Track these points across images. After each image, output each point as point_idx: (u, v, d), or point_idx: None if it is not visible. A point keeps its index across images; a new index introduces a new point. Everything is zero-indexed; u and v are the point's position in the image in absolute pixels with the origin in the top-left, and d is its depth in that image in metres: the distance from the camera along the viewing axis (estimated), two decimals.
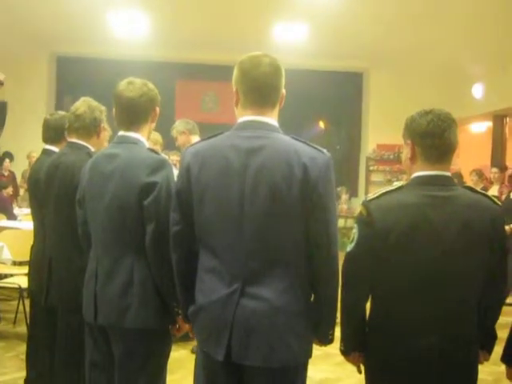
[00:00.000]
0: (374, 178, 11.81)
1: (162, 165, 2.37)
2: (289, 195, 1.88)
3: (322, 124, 12.36)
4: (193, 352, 4.62)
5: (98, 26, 9.07)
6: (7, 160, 9.91)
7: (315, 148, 1.96)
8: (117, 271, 2.39)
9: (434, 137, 2.03)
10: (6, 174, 9.76)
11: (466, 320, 2.03)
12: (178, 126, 5.14)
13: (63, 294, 2.94)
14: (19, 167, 9.95)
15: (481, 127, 10.84)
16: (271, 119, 2.04)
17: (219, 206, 1.96)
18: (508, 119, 10.09)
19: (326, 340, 2.09)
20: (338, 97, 11.79)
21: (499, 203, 2.08)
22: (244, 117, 2.05)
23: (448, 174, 2.06)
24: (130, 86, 2.46)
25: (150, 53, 10.39)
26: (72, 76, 11.36)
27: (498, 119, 10.10)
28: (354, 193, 11.90)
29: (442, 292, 1.98)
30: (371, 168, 11.80)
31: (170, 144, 5.75)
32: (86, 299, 2.51)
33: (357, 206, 10.75)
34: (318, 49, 9.82)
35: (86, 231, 2.56)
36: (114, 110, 2.52)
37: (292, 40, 9.05)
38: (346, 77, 11.79)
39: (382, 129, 11.35)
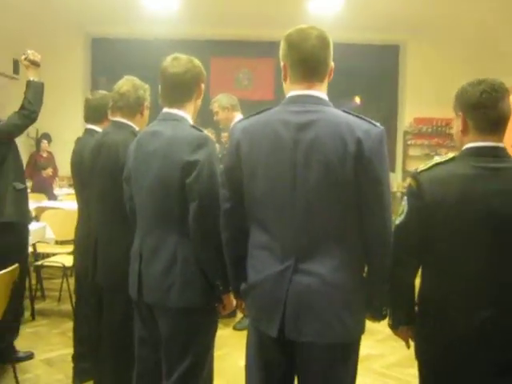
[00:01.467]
0: (412, 152, 11.63)
1: (204, 142, 2.34)
2: (342, 169, 1.85)
3: (357, 99, 12.18)
4: (235, 329, 4.64)
5: (131, 6, 9.05)
6: (44, 141, 10.04)
7: (368, 121, 1.91)
8: (160, 249, 2.39)
9: (486, 108, 1.97)
10: (44, 155, 9.89)
11: None
12: (222, 100, 4.96)
13: (109, 273, 2.95)
14: (57, 148, 10.06)
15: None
16: (321, 93, 1.99)
17: (270, 181, 1.93)
18: None
19: (380, 315, 2.08)
20: (375, 70, 11.56)
21: None
22: (293, 91, 2.00)
23: (501, 145, 2.00)
24: (175, 61, 2.43)
25: (183, 31, 10.34)
26: (106, 57, 11.41)
27: None
28: (391, 168, 11.73)
29: (494, 265, 1.93)
30: (409, 142, 11.61)
31: (204, 120, 5.59)
32: (131, 277, 2.52)
33: (393, 181, 10.62)
34: (354, 22, 9.64)
35: (132, 208, 2.56)
36: (159, 86, 2.49)
37: (326, 13, 8.89)
38: (382, 50, 11.56)
39: (420, 102, 11.14)
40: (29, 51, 3.85)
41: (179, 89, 2.45)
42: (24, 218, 4.02)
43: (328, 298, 1.88)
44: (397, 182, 11.04)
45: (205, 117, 5.19)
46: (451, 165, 2.01)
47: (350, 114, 1.93)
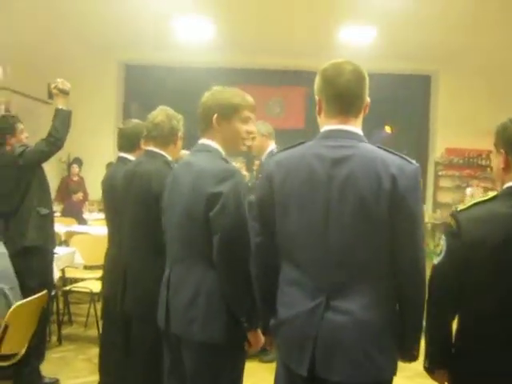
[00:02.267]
0: (443, 183, 11.51)
1: (229, 174, 2.30)
2: (376, 207, 1.82)
3: (388, 128, 12.13)
4: (262, 361, 4.58)
5: (164, 33, 9.20)
6: (75, 165, 10.19)
7: (403, 158, 1.89)
8: (186, 281, 2.37)
9: None
10: (75, 179, 10.03)
11: None
12: (260, 126, 4.77)
13: (139, 302, 2.95)
14: (88, 173, 10.19)
15: None
16: (356, 128, 1.98)
17: (304, 216, 1.91)
18: None
19: (411, 356, 2.02)
20: (406, 100, 11.55)
21: None
22: (328, 125, 1.98)
23: None
24: (207, 93, 2.45)
25: (214, 58, 10.47)
26: (139, 83, 11.60)
27: None
28: (421, 199, 11.62)
29: None
30: (440, 173, 11.50)
31: None
32: (160, 307, 2.50)
33: (424, 213, 10.49)
34: (385, 51, 9.65)
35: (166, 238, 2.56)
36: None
37: (358, 43, 8.93)
38: (414, 79, 11.55)
39: (451, 133, 11.06)
40: (58, 80, 3.95)
41: (206, 119, 2.44)
42: (47, 242, 4.08)
43: (359, 336, 1.85)
44: (428, 214, 10.91)
45: None
46: (492, 204, 1.96)
47: (384, 149, 1.92)
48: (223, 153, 2.44)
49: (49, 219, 4.09)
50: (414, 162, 1.89)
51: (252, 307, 2.22)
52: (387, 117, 11.56)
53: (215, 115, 2.40)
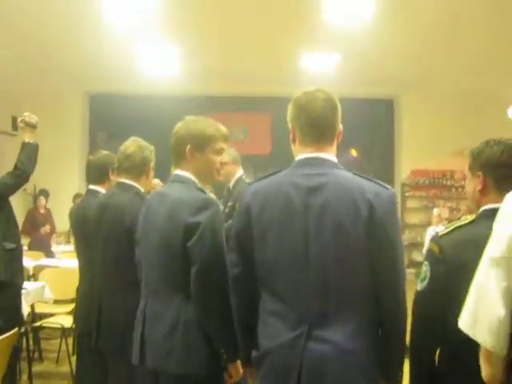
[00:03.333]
0: (410, 204, 11.68)
1: (206, 204, 2.29)
2: (354, 234, 1.83)
3: (354, 152, 12.29)
4: None
5: (129, 62, 9.20)
6: (42, 198, 10.04)
7: (379, 184, 1.91)
8: (164, 313, 2.32)
9: (507, 167, 1.96)
10: (42, 211, 9.87)
11: None
12: (228, 152, 4.82)
13: (113, 337, 2.89)
14: (54, 204, 10.05)
15: None
16: (330, 155, 1.98)
17: (282, 246, 1.90)
18: None
19: (395, 381, 2.00)
20: (370, 124, 11.73)
21: None
22: (302, 154, 1.99)
23: None
24: (180, 123, 2.45)
25: (180, 87, 10.50)
26: (105, 113, 11.56)
27: None
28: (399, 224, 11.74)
29: None
30: (407, 194, 11.67)
31: None
32: (134, 341, 2.44)
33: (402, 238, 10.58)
34: (349, 77, 9.81)
35: (141, 271, 2.52)
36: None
37: (322, 69, 9.05)
38: (378, 103, 11.77)
39: (416, 154, 11.27)
40: (25, 113, 3.90)
41: (181, 151, 2.42)
42: (15, 277, 3.97)
43: (342, 365, 1.83)
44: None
45: None
46: (472, 227, 1.97)
47: (360, 176, 1.92)
48: (198, 183, 2.43)
49: (16, 254, 3.98)
50: (389, 187, 1.91)
51: (231, 339, 2.19)
52: (352, 141, 11.70)
53: (188, 146, 2.38)
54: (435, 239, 2.01)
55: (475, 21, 7.34)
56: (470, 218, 2.03)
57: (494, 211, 1.92)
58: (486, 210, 2.00)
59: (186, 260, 2.26)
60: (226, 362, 2.31)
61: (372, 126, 11.89)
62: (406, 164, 11.67)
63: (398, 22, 7.54)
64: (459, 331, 1.91)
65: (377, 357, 1.91)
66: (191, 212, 2.26)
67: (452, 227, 2.00)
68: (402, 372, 2.01)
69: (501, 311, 1.54)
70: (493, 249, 1.62)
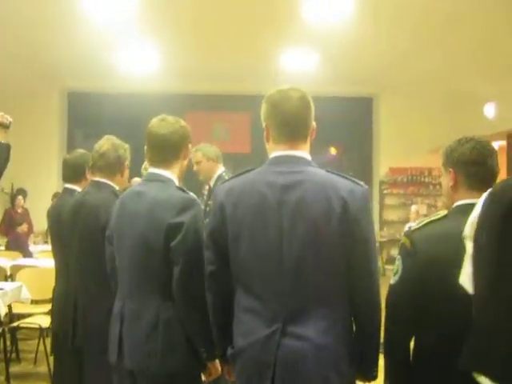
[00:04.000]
0: (388, 201, 11.77)
1: (189, 204, 2.31)
2: (328, 230, 1.85)
3: (333, 150, 12.36)
4: None
5: (107, 60, 9.15)
6: (20, 197, 9.94)
7: (352, 180, 1.93)
8: (142, 313, 2.32)
9: (477, 164, 2.01)
10: (19, 210, 9.78)
11: None
12: (207, 149, 4.68)
13: (90, 336, 2.88)
14: (32, 204, 9.97)
15: (494, 146, 10.74)
16: (304, 153, 2.00)
17: (256, 243, 1.91)
18: None
19: (371, 376, 2.02)
20: (349, 122, 11.81)
21: None
22: (276, 152, 2.00)
23: None
24: (163, 122, 2.44)
25: (159, 85, 10.46)
26: (83, 111, 11.48)
27: None
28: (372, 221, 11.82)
29: None
30: (385, 191, 11.76)
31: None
32: (111, 341, 2.44)
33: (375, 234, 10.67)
34: (328, 75, 9.85)
35: (114, 269, 2.50)
36: (145, 147, 2.49)
37: (300, 67, 9.07)
38: (356, 102, 11.83)
39: (394, 152, 11.35)
40: None
41: (166, 149, 2.43)
42: None
43: (318, 361, 1.85)
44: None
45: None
46: (444, 222, 2.01)
47: (333, 173, 1.94)
48: (177, 182, 2.44)
49: None
50: (362, 183, 1.93)
51: (211, 337, 2.20)
52: (331, 139, 11.77)
53: (189, 145, 2.49)
54: (407, 234, 2.05)
55: (453, 20, 7.41)
56: (442, 213, 2.06)
57: (466, 207, 1.98)
58: (457, 206, 2.04)
59: (167, 260, 2.27)
60: (206, 360, 2.33)
61: (351, 124, 11.98)
62: (385, 162, 11.76)
63: (377, 20, 7.58)
64: (432, 322, 1.96)
65: (351, 352, 1.93)
66: (174, 212, 2.27)
67: (424, 222, 2.04)
68: (377, 367, 2.03)
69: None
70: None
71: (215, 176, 4.63)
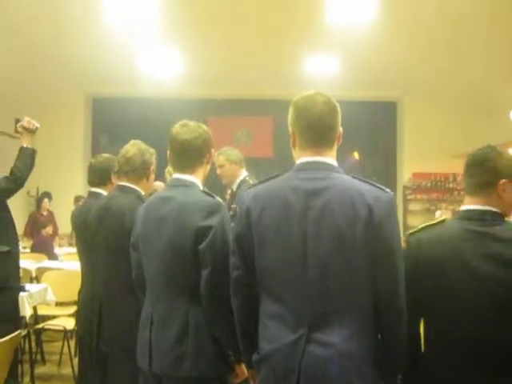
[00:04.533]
0: (412, 207, 11.66)
1: (216, 208, 2.33)
2: (353, 238, 1.84)
3: (356, 155, 12.30)
4: None
5: (131, 66, 9.21)
6: (46, 200, 10.06)
7: (378, 187, 1.92)
8: (172, 318, 2.34)
9: (469, 174, 2.09)
10: (44, 213, 9.90)
11: None
12: (230, 153, 4.64)
13: (115, 340, 2.91)
14: (57, 207, 10.08)
15: None
16: (330, 159, 1.99)
17: (281, 249, 1.91)
18: None
19: None
20: (372, 127, 11.76)
21: None
22: (302, 158, 2.00)
23: (493, 209, 2.03)
24: (185, 128, 2.46)
25: (182, 90, 10.51)
26: (107, 116, 11.59)
27: None
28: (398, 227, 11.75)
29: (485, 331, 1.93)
30: (409, 197, 11.67)
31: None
32: (140, 346, 2.45)
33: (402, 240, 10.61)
34: (351, 80, 9.82)
35: (140, 275, 2.52)
36: (168, 152, 2.51)
37: (324, 72, 9.05)
38: (380, 106, 11.76)
39: (418, 157, 11.26)
40: (25, 118, 3.93)
41: (190, 154, 2.46)
42: (8, 280, 3.97)
43: (342, 368, 1.84)
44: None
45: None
46: (439, 227, 2.08)
47: (359, 179, 1.94)
48: (201, 187, 2.47)
49: (10, 256, 3.97)
50: (388, 190, 1.92)
51: (238, 340, 2.20)
52: (355, 143, 11.73)
53: (212, 149, 2.54)
54: (406, 236, 2.14)
55: (478, 23, 7.34)
56: (440, 218, 2.14)
57: (463, 213, 2.07)
58: (457, 212, 2.13)
59: (195, 263, 2.30)
60: (233, 363, 2.36)
61: (374, 128, 11.91)
62: (408, 167, 11.65)
63: (400, 24, 7.54)
64: (428, 319, 2.04)
65: (376, 360, 1.91)
66: (202, 215, 2.30)
67: (421, 226, 2.12)
68: (399, 376, 2.03)
69: None
70: None
71: (238, 180, 4.62)
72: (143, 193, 3.04)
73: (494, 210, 2.02)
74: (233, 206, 4.39)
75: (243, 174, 4.65)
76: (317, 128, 1.98)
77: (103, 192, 3.58)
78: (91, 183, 3.69)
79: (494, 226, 1.98)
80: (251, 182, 4.41)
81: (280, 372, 1.90)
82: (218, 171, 4.64)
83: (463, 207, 2.07)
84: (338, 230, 1.84)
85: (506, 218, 2.08)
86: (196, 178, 2.47)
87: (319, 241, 1.86)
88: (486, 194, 2.03)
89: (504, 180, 2.02)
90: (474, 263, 1.93)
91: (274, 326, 1.94)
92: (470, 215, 2.03)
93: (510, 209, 2.09)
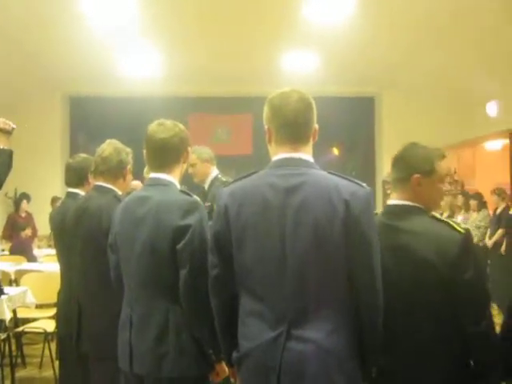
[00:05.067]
0: None
1: (195, 207, 2.32)
2: (331, 233, 1.84)
3: (335, 150, 12.35)
4: None
5: (110, 65, 9.16)
6: (24, 201, 9.94)
7: (355, 182, 1.92)
8: (151, 318, 2.33)
9: None
10: (23, 215, 9.78)
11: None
12: (201, 151, 4.57)
13: (95, 341, 2.88)
14: (35, 207, 9.97)
15: (497, 145, 10.74)
16: (306, 155, 1.99)
17: (260, 246, 1.91)
18: None
19: (369, 377, 2.02)
20: (351, 122, 11.80)
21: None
22: (279, 154, 2.00)
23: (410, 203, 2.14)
24: (161, 127, 2.44)
25: (161, 89, 10.45)
26: (85, 115, 11.49)
27: None
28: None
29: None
30: (388, 191, 11.71)
31: None
32: (120, 347, 2.44)
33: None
34: (329, 76, 9.85)
35: (118, 276, 2.51)
36: (144, 151, 2.49)
37: (302, 68, 9.07)
38: (358, 102, 11.81)
39: (396, 151, 11.30)
40: (0, 119, 3.88)
41: (167, 153, 2.44)
42: None
43: (323, 364, 1.84)
44: None
45: None
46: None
47: (336, 175, 1.93)
48: (178, 186, 2.45)
49: None
50: (364, 185, 1.92)
51: (218, 339, 2.20)
52: (334, 139, 11.77)
53: (188, 148, 2.52)
54: None
55: (455, 19, 7.40)
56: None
57: (386, 208, 2.22)
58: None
59: (174, 263, 2.28)
60: (214, 362, 2.35)
61: (353, 124, 11.96)
62: (387, 161, 11.63)
63: (379, 19, 7.58)
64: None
65: (357, 355, 1.92)
66: (180, 214, 2.28)
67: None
68: (375, 368, 2.03)
69: None
70: None
71: (210, 178, 4.56)
72: (120, 192, 3.02)
73: (410, 204, 2.10)
74: (206, 204, 4.38)
75: (214, 171, 4.60)
76: (293, 125, 1.98)
77: (81, 192, 3.54)
78: (68, 183, 3.65)
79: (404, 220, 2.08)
80: (224, 179, 4.41)
81: (260, 369, 1.89)
82: (190, 170, 4.57)
83: (393, 202, 2.16)
84: (315, 226, 1.84)
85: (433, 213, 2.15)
86: (173, 177, 2.46)
87: (297, 238, 1.86)
88: (402, 189, 2.12)
89: (417, 175, 2.10)
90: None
91: (253, 324, 1.93)
92: (388, 210, 2.16)
93: (429, 203, 2.14)
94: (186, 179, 4.59)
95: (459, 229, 2.01)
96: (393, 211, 2.14)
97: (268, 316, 1.90)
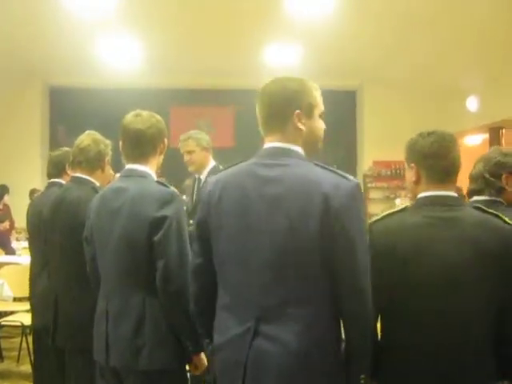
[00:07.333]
0: (373, 195, 11.76)
1: (171, 198, 2.29)
2: (306, 228, 1.72)
3: None
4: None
5: (90, 56, 9.04)
6: (6, 195, 9.81)
7: (339, 174, 1.78)
8: (128, 310, 2.30)
9: (436, 157, 2.01)
10: (0, 207, 9.66)
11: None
12: (201, 138, 4.23)
13: (71, 334, 2.86)
14: (13, 200, 9.84)
15: (477, 140, 10.83)
16: (292, 144, 1.89)
17: (233, 237, 1.84)
18: (504, 131, 10.08)
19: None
20: (333, 115, 11.74)
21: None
22: (266, 143, 1.93)
23: (453, 194, 2.02)
24: (138, 117, 2.41)
25: (142, 80, 10.37)
26: (65, 106, 11.34)
27: (494, 131, 10.07)
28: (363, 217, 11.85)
29: (445, 318, 1.91)
30: (369, 185, 11.77)
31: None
32: (96, 340, 2.41)
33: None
34: (311, 69, 9.74)
35: (94, 268, 2.48)
36: (120, 142, 2.46)
37: (284, 61, 9.04)
38: (340, 95, 11.78)
39: (378, 145, 11.35)
40: None
41: (144, 144, 2.42)
42: None
43: (288, 366, 1.74)
44: None
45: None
46: (403, 214, 2.04)
47: (320, 166, 1.82)
48: (155, 177, 2.43)
49: None
50: (351, 178, 1.78)
51: (196, 331, 2.18)
52: None
53: (165, 140, 2.49)
54: (368, 225, 2.03)
55: (437, 13, 7.41)
56: (402, 205, 2.10)
57: (425, 199, 2.03)
58: (418, 199, 2.06)
59: (150, 255, 2.25)
60: (191, 353, 2.34)
61: (334, 117, 11.93)
62: (368, 155, 11.75)
63: (361, 13, 7.56)
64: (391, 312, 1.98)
65: (330, 359, 1.80)
66: (156, 206, 2.26)
67: (383, 214, 2.07)
68: (365, 376, 1.95)
69: None
70: None
71: (208, 169, 4.24)
72: (98, 184, 2.98)
73: (454, 195, 2.02)
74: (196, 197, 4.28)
75: (212, 162, 4.30)
76: (269, 113, 1.93)
77: (63, 182, 3.52)
78: (49, 176, 3.66)
79: (459, 212, 1.97)
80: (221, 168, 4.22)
81: (230, 364, 1.84)
82: (186, 157, 4.26)
83: (423, 194, 2.03)
84: (289, 219, 1.74)
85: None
86: (149, 169, 2.44)
87: (270, 231, 1.77)
88: (450, 181, 2.03)
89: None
90: (443, 250, 1.90)
91: (224, 318, 1.88)
92: (434, 201, 2.00)
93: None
94: (175, 169, 4.44)
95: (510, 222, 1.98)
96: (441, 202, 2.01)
97: (237, 310, 1.83)
